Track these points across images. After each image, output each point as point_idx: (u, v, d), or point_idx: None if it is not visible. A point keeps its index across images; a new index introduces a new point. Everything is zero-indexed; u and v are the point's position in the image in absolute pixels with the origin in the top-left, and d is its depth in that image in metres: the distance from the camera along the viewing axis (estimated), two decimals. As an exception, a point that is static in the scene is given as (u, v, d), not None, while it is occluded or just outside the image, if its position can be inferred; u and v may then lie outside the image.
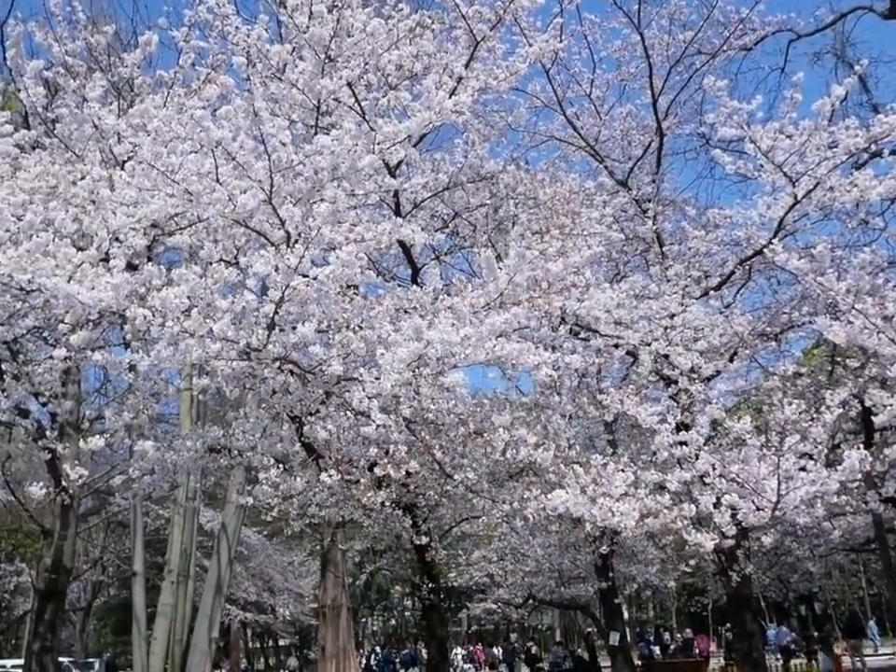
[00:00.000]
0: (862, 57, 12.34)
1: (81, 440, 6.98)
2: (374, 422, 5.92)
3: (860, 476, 7.80)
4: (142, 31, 8.16)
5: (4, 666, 24.92)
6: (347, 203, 6.00)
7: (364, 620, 50.49)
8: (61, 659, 19.01)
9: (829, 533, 14.59)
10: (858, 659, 22.61)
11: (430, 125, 6.44)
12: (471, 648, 42.69)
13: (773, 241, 9.03)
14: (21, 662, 21.20)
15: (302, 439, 7.28)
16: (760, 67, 14.17)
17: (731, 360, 10.17)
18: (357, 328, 6.31)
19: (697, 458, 7.84)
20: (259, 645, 46.63)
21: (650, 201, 11.80)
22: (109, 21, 11.70)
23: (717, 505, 7.64)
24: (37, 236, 5.77)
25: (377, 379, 5.87)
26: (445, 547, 14.68)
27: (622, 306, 9.42)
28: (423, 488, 8.88)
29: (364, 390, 5.91)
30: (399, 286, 8.52)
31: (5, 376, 7.48)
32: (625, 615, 21.94)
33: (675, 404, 9.26)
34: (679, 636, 32.64)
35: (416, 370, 5.98)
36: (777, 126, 8.66)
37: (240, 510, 16.11)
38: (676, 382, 9.35)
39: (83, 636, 32.72)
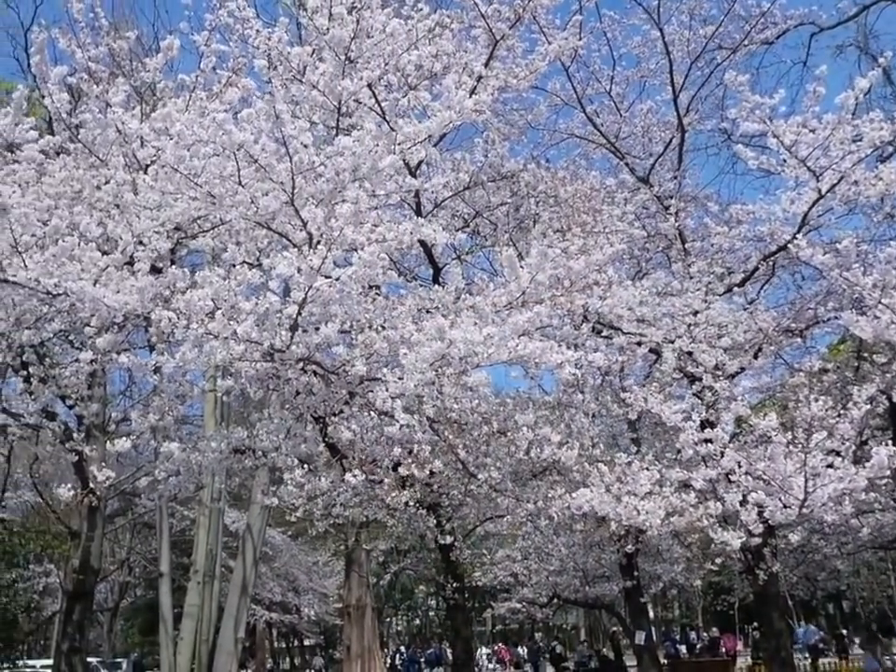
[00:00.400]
0: (886, 49, 12.19)
1: (108, 442, 7.04)
2: (398, 422, 5.93)
3: (888, 473, 7.71)
4: (163, 36, 8.21)
5: (33, 667, 25.20)
6: (369, 204, 6.01)
7: (388, 620, 50.58)
8: (89, 659, 19.21)
9: (857, 531, 14.43)
10: (888, 658, 22.37)
11: (450, 125, 6.43)
12: (496, 647, 42.65)
13: (797, 236, 8.96)
14: (50, 662, 21.45)
15: (326, 439, 7.30)
16: (782, 61, 14.11)
17: (755, 357, 10.08)
18: (379, 328, 6.33)
19: (722, 456, 7.79)
20: (284, 645, 46.82)
21: (671, 197, 11.73)
22: (131, 26, 11.81)
23: (743, 503, 7.58)
24: (63, 241, 5.83)
25: (400, 379, 5.88)
26: (469, 546, 14.68)
27: (644, 304, 9.37)
28: (446, 488, 8.87)
29: (387, 390, 5.92)
30: (421, 285, 8.53)
31: (32, 379, 7.57)
32: (651, 614, 21.82)
33: (699, 402, 9.21)
34: (705, 635, 32.42)
35: (439, 369, 5.98)
36: (801, 120, 8.58)
37: (265, 510, 16.21)
38: (700, 379, 9.29)
39: (111, 636, 33.03)
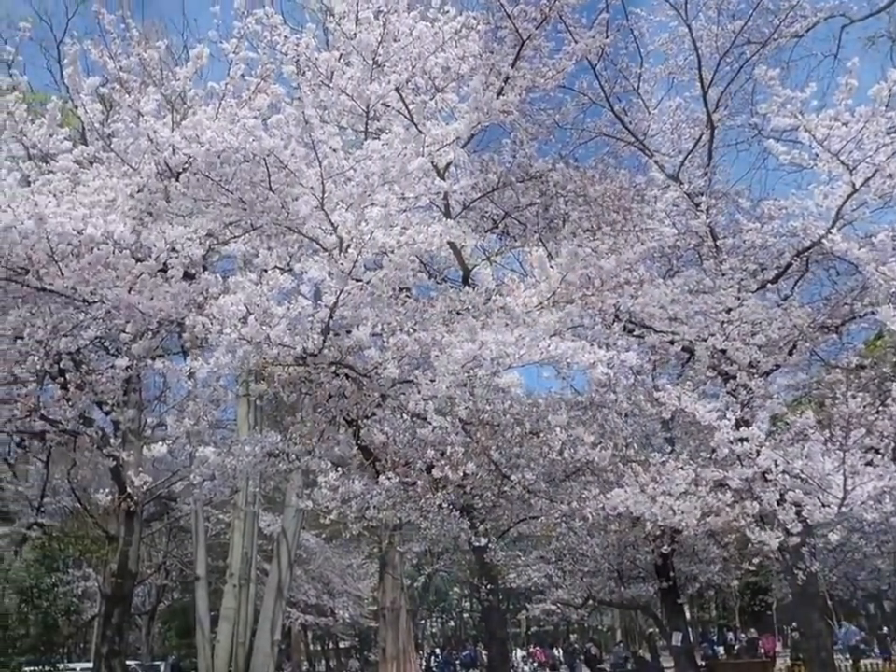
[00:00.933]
0: (919, 39, 12.01)
1: (144, 447, 7.13)
2: (431, 424, 5.94)
3: (929, 470, 7.58)
4: (193, 44, 8.29)
5: (74, 669, 25.52)
6: (398, 207, 6.03)
7: (423, 622, 50.60)
8: (128, 662, 19.40)
9: (897, 529, 14.20)
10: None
11: (478, 126, 6.44)
12: (532, 649, 42.50)
13: (831, 231, 8.83)
14: (90, 665, 21.72)
15: (359, 442, 7.33)
16: (812, 54, 13.83)
17: (790, 354, 9.96)
18: (410, 330, 6.34)
19: (759, 455, 7.70)
20: (319, 647, 47.03)
21: (702, 194, 11.62)
22: (161, 36, 11.92)
23: (781, 502, 7.49)
24: (98, 249, 5.91)
25: (432, 381, 5.89)
26: (503, 548, 14.66)
27: (676, 302, 9.30)
28: (480, 489, 8.86)
29: (419, 392, 5.94)
30: (451, 287, 8.53)
31: (69, 386, 7.68)
32: (687, 615, 21.63)
33: (734, 400, 9.11)
34: (743, 635, 32.08)
35: (471, 371, 5.98)
36: (833, 113, 8.46)
37: (299, 513, 16.31)
38: (734, 377, 9.19)
39: (149, 639, 33.35)
